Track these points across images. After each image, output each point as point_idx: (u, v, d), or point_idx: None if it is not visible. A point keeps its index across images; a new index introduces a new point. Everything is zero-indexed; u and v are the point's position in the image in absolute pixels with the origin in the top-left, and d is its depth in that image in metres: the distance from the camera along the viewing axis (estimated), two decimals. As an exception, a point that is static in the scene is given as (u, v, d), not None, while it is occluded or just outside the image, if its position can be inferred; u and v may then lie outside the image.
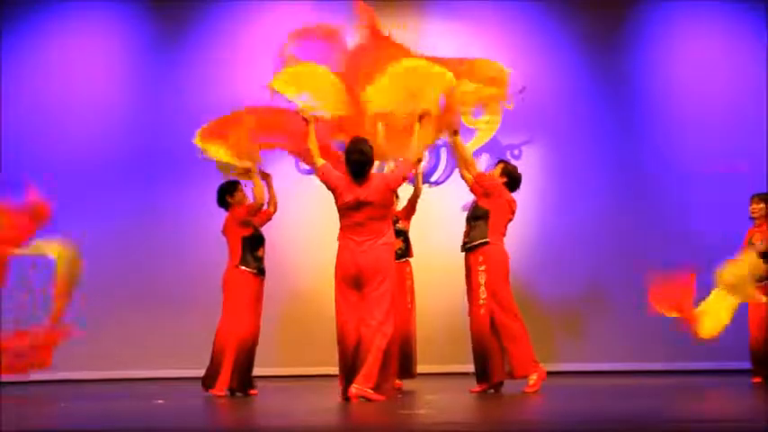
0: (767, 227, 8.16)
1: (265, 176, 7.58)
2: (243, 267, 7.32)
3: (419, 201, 7.99)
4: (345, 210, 6.52)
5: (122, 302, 9.55)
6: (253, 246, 7.39)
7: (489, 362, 6.95)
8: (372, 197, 6.46)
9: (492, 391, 7.00)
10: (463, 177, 7.41)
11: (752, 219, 8.27)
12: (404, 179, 6.66)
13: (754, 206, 8.25)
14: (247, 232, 7.39)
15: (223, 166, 7.39)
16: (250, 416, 6.03)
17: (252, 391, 7.33)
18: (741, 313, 8.53)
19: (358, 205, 6.46)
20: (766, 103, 9.80)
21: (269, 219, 7.60)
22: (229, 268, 7.36)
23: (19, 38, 9.97)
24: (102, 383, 9.13)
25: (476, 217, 7.12)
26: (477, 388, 7.05)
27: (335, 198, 6.57)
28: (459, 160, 7.42)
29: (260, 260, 7.40)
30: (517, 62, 9.83)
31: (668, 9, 10.11)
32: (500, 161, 7.52)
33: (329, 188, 6.60)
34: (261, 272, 7.40)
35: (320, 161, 6.68)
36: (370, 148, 6.55)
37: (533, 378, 6.90)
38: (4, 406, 6.45)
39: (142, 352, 9.51)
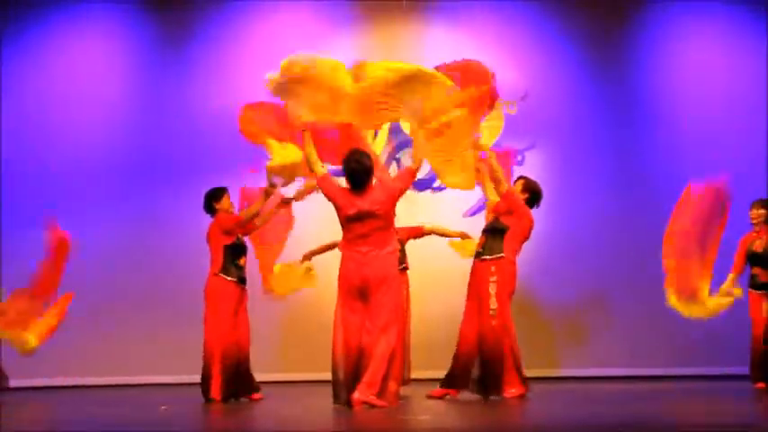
0: (767, 233, 8.17)
1: (287, 202, 7.59)
2: (223, 276, 7.27)
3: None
4: (348, 222, 6.47)
5: (124, 307, 9.54)
6: (234, 255, 7.33)
7: (498, 368, 6.98)
8: (375, 207, 6.41)
9: (496, 397, 7.02)
10: (485, 193, 7.40)
11: (751, 224, 8.28)
12: (406, 188, 6.65)
13: (755, 212, 8.26)
14: (230, 240, 7.33)
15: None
16: (251, 422, 6.03)
17: (255, 396, 7.31)
18: (740, 318, 8.56)
19: (361, 217, 6.41)
20: (766, 105, 9.81)
21: (254, 230, 7.57)
22: (210, 276, 7.30)
23: (22, 40, 9.98)
24: (105, 389, 9.13)
25: (494, 230, 7.12)
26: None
27: (337, 211, 6.52)
28: (491, 178, 7.28)
29: (241, 269, 7.33)
30: (520, 67, 9.91)
31: (669, 11, 10.11)
32: (520, 177, 7.49)
33: (330, 201, 6.56)
34: (242, 281, 7.35)
35: (320, 171, 6.62)
36: (369, 158, 6.52)
37: (513, 391, 6.98)
38: (6, 412, 6.46)
39: (145, 357, 9.51)
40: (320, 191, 6.69)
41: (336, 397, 6.41)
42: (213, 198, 7.48)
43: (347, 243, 6.51)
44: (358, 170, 6.44)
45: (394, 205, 6.56)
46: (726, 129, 9.87)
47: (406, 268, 7.92)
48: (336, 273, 6.56)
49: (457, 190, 9.52)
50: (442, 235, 8.27)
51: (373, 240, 6.42)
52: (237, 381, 7.26)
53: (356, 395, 6.22)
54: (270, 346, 9.18)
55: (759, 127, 9.85)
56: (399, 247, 6.98)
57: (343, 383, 6.36)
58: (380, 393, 6.27)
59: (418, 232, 8.23)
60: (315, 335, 9.00)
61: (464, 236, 8.10)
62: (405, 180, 6.65)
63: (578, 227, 9.76)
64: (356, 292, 6.42)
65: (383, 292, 6.38)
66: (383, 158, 9.85)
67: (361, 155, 6.53)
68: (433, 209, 9.53)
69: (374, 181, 6.57)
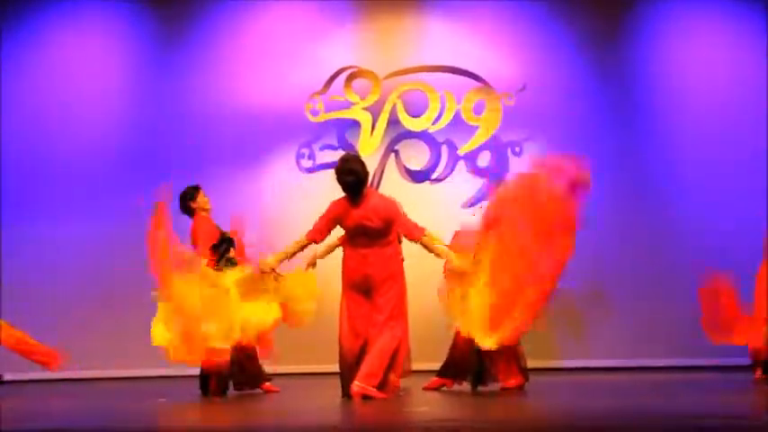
0: None
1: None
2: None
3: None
4: (349, 231, 6.47)
5: (122, 300, 9.51)
6: (224, 249, 7.18)
7: (495, 359, 6.99)
8: (373, 222, 6.36)
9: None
10: None
11: None
12: (400, 232, 6.58)
13: None
14: (215, 239, 7.14)
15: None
16: (250, 415, 6.03)
17: (266, 387, 7.23)
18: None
19: (360, 229, 6.40)
20: (766, 101, 9.78)
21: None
22: None
23: (20, 37, 9.96)
24: (103, 382, 9.14)
25: None
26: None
27: (339, 225, 6.50)
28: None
29: (235, 262, 7.19)
30: (517, 59, 9.90)
31: (668, 7, 10.07)
32: None
33: (335, 224, 6.47)
34: None
35: (304, 240, 6.47)
36: (361, 163, 6.47)
37: (512, 382, 6.98)
38: (5, 405, 6.46)
39: (143, 350, 9.46)
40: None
41: (344, 389, 6.40)
42: (188, 198, 7.26)
43: (349, 243, 6.51)
44: (353, 182, 6.38)
45: (387, 222, 6.46)
46: (726, 124, 9.84)
47: (401, 259, 7.90)
48: (338, 267, 6.56)
49: (454, 182, 9.60)
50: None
51: (375, 244, 6.42)
52: (240, 374, 7.21)
53: (355, 386, 6.21)
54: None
55: (760, 122, 9.80)
56: (400, 244, 6.95)
57: (350, 376, 6.34)
58: (382, 385, 6.27)
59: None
60: (317, 327, 8.98)
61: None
62: (407, 231, 6.52)
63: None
64: (359, 288, 6.43)
65: (387, 288, 6.39)
66: (381, 152, 9.87)
67: (353, 163, 6.45)
68: (432, 200, 9.51)
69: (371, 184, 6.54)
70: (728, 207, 9.40)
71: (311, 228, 6.50)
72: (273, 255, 6.56)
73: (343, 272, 6.50)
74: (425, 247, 6.61)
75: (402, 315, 6.49)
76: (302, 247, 6.55)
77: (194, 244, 7.21)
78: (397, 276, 6.49)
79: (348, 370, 6.37)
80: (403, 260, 7.85)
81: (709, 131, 9.83)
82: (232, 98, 9.85)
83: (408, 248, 7.95)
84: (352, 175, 6.37)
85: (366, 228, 6.38)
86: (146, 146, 9.88)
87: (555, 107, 9.91)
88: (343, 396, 6.36)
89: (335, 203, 6.50)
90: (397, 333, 6.38)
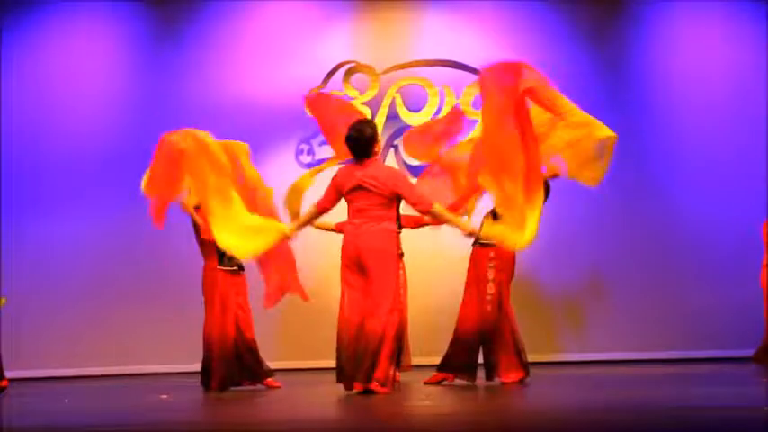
0: None
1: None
2: (221, 268, 7.20)
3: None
4: (349, 196, 6.47)
5: (124, 297, 9.54)
6: None
7: (496, 353, 7.00)
8: (370, 183, 6.37)
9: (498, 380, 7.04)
10: None
11: None
12: (406, 199, 6.53)
13: None
14: None
15: None
16: (252, 410, 6.04)
17: (268, 382, 7.28)
18: (741, 301, 8.59)
19: (358, 188, 6.40)
20: (766, 98, 9.78)
21: None
22: (207, 269, 7.26)
23: (18, 36, 9.94)
24: (106, 379, 9.14)
25: (495, 217, 7.05)
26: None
27: (342, 192, 6.51)
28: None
29: (236, 260, 7.20)
30: (516, 53, 9.83)
31: (668, 3, 10.06)
32: None
33: (339, 191, 6.50)
34: (241, 268, 7.30)
35: (314, 209, 6.63)
36: (372, 126, 6.53)
37: (513, 376, 6.99)
38: (7, 402, 6.48)
39: (146, 347, 9.52)
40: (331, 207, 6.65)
41: (339, 375, 6.41)
42: None
43: (348, 218, 6.53)
44: (357, 138, 6.42)
45: (393, 193, 6.45)
46: (726, 120, 9.84)
47: (401, 254, 7.91)
48: (337, 263, 6.57)
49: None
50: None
51: (370, 215, 6.40)
52: (241, 369, 7.24)
53: (357, 382, 6.22)
54: (270, 334, 9.17)
55: (759, 118, 9.78)
56: (398, 229, 6.94)
57: (345, 361, 6.35)
58: (385, 381, 6.27)
59: (418, 222, 8.18)
60: (318, 323, 9.01)
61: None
62: (416, 200, 6.50)
63: (577, 212, 9.75)
64: (353, 265, 6.41)
65: (380, 269, 6.33)
66: (380, 147, 9.88)
67: (362, 124, 6.54)
68: (432, 196, 9.49)
69: (379, 153, 6.60)
70: (728, 202, 9.42)
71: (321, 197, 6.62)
72: (292, 222, 6.77)
73: (341, 249, 6.50)
74: (437, 216, 6.59)
75: (399, 301, 6.51)
76: (314, 216, 6.68)
77: (198, 236, 7.27)
78: (388, 256, 6.42)
79: (341, 356, 6.37)
80: (403, 254, 7.89)
81: (709, 127, 9.83)
82: (231, 95, 9.84)
83: (409, 245, 8.00)
84: (356, 132, 6.44)
85: (364, 189, 6.38)
86: (145, 144, 9.82)
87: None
88: (337, 382, 6.37)
89: (339, 169, 6.59)
90: (396, 322, 6.38)
